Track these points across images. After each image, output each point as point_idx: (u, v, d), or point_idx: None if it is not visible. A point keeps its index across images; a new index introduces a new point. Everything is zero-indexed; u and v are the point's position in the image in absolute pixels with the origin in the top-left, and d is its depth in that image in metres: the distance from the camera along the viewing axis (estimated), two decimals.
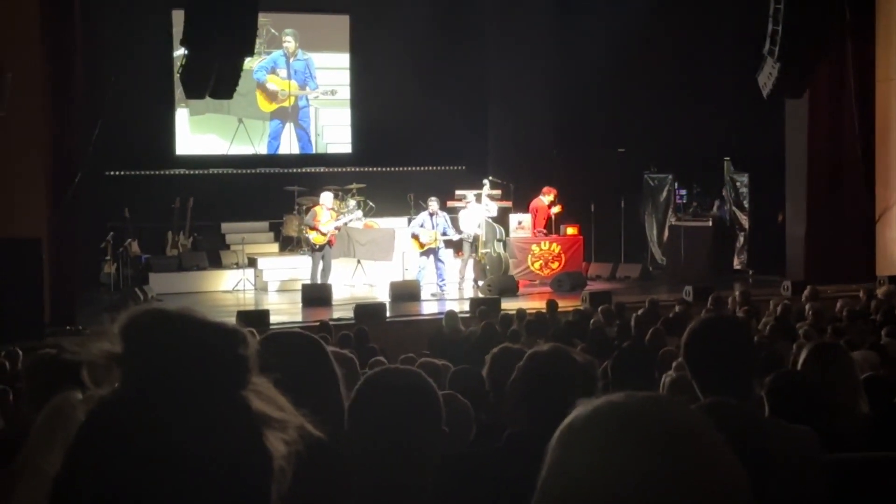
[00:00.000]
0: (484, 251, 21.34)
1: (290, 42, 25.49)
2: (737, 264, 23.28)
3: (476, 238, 21.39)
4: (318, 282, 20.20)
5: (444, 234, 20.80)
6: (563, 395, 3.24)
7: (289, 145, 25.89)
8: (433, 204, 20.86)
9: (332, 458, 2.61)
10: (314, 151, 26.23)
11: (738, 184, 23.19)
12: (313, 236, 20.37)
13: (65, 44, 17.94)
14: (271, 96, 25.47)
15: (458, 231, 21.17)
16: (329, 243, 20.39)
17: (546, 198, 22.50)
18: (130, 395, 1.50)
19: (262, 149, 25.69)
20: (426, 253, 20.76)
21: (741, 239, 23.21)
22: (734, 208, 23.25)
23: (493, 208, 21.71)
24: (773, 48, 16.93)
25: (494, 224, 21.67)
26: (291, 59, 25.63)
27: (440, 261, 20.79)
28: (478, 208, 21.53)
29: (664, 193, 24.25)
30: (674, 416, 1.49)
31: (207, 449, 1.48)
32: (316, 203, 21.02)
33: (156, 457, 1.45)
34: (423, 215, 20.93)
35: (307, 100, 25.99)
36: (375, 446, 2.70)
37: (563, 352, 3.48)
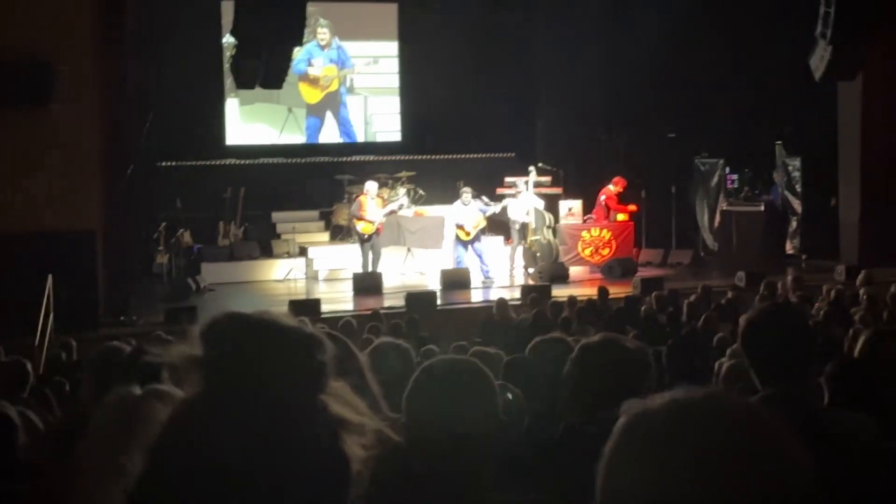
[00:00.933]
0: (534, 238, 21.28)
1: (325, 33, 25.45)
2: (789, 249, 23.06)
3: (524, 225, 21.32)
4: (369, 270, 20.23)
5: (485, 213, 20.81)
6: (617, 385, 3.23)
7: (334, 134, 25.92)
8: (464, 194, 20.86)
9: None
10: (363, 140, 26.26)
11: (790, 168, 22.97)
12: (361, 226, 20.39)
13: (117, 36, 18.08)
14: (314, 83, 25.47)
15: (495, 205, 21.10)
16: (377, 232, 20.38)
17: (615, 187, 22.46)
18: (212, 398, 1.53)
19: (306, 138, 25.77)
20: (464, 244, 20.74)
21: (794, 223, 23.00)
22: (786, 192, 23.04)
23: (539, 203, 21.57)
24: (825, 31, 16.74)
25: (544, 211, 21.57)
26: (326, 49, 25.60)
27: (479, 248, 20.73)
28: (527, 196, 21.46)
29: (715, 178, 24.05)
30: (734, 411, 1.47)
31: (287, 453, 1.50)
32: (361, 193, 21.04)
33: (236, 460, 1.47)
34: (457, 206, 20.97)
35: (347, 88, 25.95)
36: (434, 434, 2.69)
37: (614, 341, 3.45)
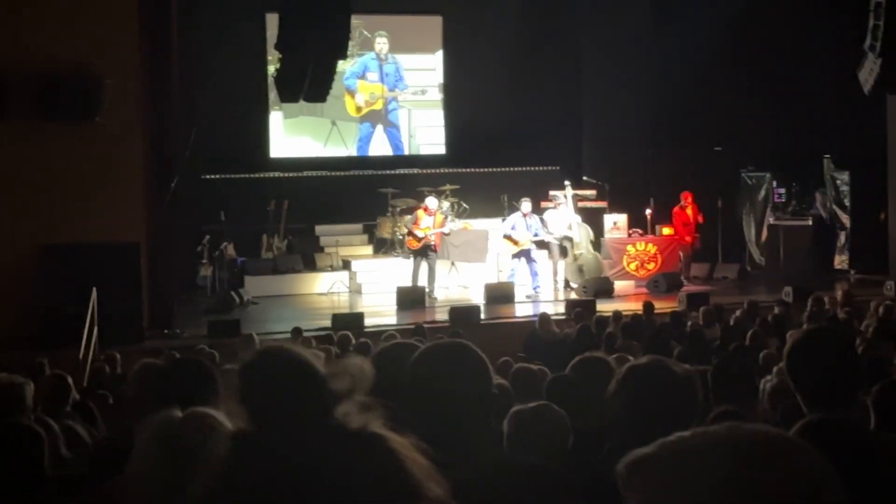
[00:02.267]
0: (578, 252, 21.21)
1: (383, 44, 25.61)
2: (838, 263, 22.90)
3: (566, 239, 21.24)
4: (419, 286, 20.21)
5: (536, 235, 20.71)
6: (663, 410, 3.22)
7: (380, 147, 26.00)
8: (526, 205, 20.76)
9: None
10: (407, 153, 26.32)
11: (838, 182, 22.82)
12: (408, 240, 20.44)
13: (161, 49, 18.21)
14: (359, 105, 25.56)
15: (549, 233, 21.05)
16: (428, 249, 20.37)
17: (688, 201, 22.43)
18: (259, 436, 1.66)
19: (354, 151, 25.86)
20: (518, 255, 20.69)
21: (842, 238, 22.84)
22: (835, 206, 22.88)
23: (575, 218, 21.52)
24: (875, 43, 16.58)
25: (586, 225, 21.51)
26: (383, 63, 25.74)
27: (533, 261, 20.71)
28: (566, 209, 21.41)
29: (762, 192, 23.94)
30: (760, 449, 1.47)
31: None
32: (417, 206, 21.08)
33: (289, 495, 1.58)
34: (516, 216, 20.86)
35: (397, 101, 26.09)
36: (431, 399, 3.06)
37: (661, 364, 3.44)
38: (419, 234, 20.22)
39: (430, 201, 20.83)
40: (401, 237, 21.07)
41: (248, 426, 1.74)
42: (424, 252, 20.36)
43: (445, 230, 20.66)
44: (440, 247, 20.83)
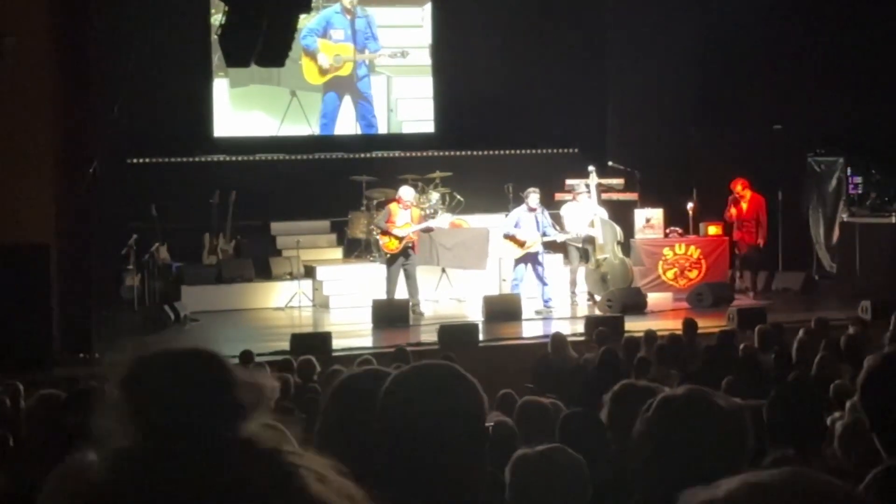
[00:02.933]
0: (602, 257, 21.22)
1: None
2: None
3: (588, 240, 21.24)
4: (399, 299, 20.19)
5: (545, 234, 20.66)
6: (704, 454, 3.22)
7: (350, 124, 25.96)
8: (534, 197, 20.72)
9: None
10: (386, 131, 26.31)
11: None
12: (384, 242, 20.37)
13: (77, 5, 18.18)
14: (323, 67, 25.49)
15: (566, 232, 21.03)
16: (409, 251, 20.33)
17: (744, 191, 22.32)
18: (141, 451, 1.69)
19: (319, 129, 25.85)
20: (524, 259, 20.64)
21: None
22: None
23: (602, 213, 21.53)
24: None
25: (612, 223, 21.51)
26: (352, 18, 25.64)
27: (540, 266, 20.65)
28: (588, 202, 21.42)
29: (833, 182, 23.97)
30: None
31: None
32: (391, 199, 21.02)
33: None
34: (520, 211, 20.81)
35: (367, 66, 26.02)
36: (410, 449, 2.98)
37: (702, 396, 3.43)
38: (399, 233, 20.17)
39: (405, 191, 20.77)
40: (377, 240, 21.00)
41: (132, 441, 1.79)
42: (402, 256, 20.35)
43: (424, 226, 20.64)
44: (420, 249, 20.80)
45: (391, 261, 20.35)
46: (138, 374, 1.89)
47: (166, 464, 1.76)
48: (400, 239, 20.18)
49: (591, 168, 21.85)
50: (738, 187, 22.37)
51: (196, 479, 1.69)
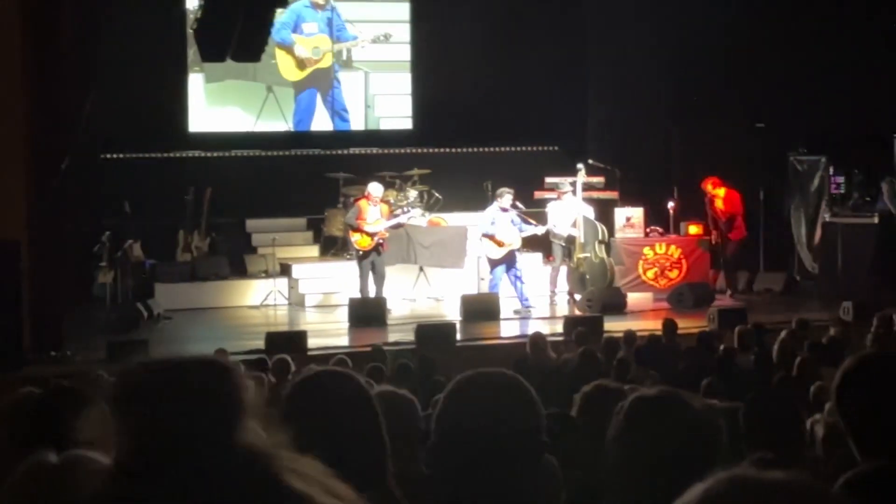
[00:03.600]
0: (582, 256, 21.24)
1: None
2: None
3: (570, 239, 21.27)
4: (369, 296, 20.22)
5: (521, 230, 20.66)
6: (676, 454, 3.20)
7: (327, 120, 25.91)
8: (507, 198, 20.69)
9: None
10: (363, 127, 26.27)
11: None
12: (356, 239, 20.33)
13: None
14: (298, 56, 25.40)
15: (541, 224, 20.98)
16: (379, 248, 20.31)
17: (716, 189, 22.37)
18: (133, 466, 1.67)
19: (293, 125, 25.79)
20: (503, 260, 20.60)
21: None
22: None
23: (588, 211, 21.56)
24: None
25: (595, 221, 21.53)
26: (320, 11, 25.52)
27: (517, 272, 20.64)
28: (574, 201, 21.43)
29: (816, 181, 23.98)
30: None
31: None
32: (362, 195, 20.99)
33: None
34: (493, 210, 20.82)
35: (343, 59, 25.93)
36: (467, 454, 3.04)
37: (674, 397, 3.42)
38: (370, 229, 20.14)
39: (374, 187, 20.73)
40: (349, 238, 20.92)
41: (130, 458, 1.76)
42: (373, 252, 20.34)
43: (395, 223, 20.63)
44: (398, 247, 20.82)
45: (362, 258, 20.34)
46: (136, 388, 1.86)
47: (165, 479, 1.74)
48: (372, 235, 20.16)
49: (579, 166, 21.82)
50: (709, 186, 22.44)
51: (196, 493, 1.68)
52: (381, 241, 20.29)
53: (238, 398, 1.83)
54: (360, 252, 20.33)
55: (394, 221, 20.68)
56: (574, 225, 21.28)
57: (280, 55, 25.21)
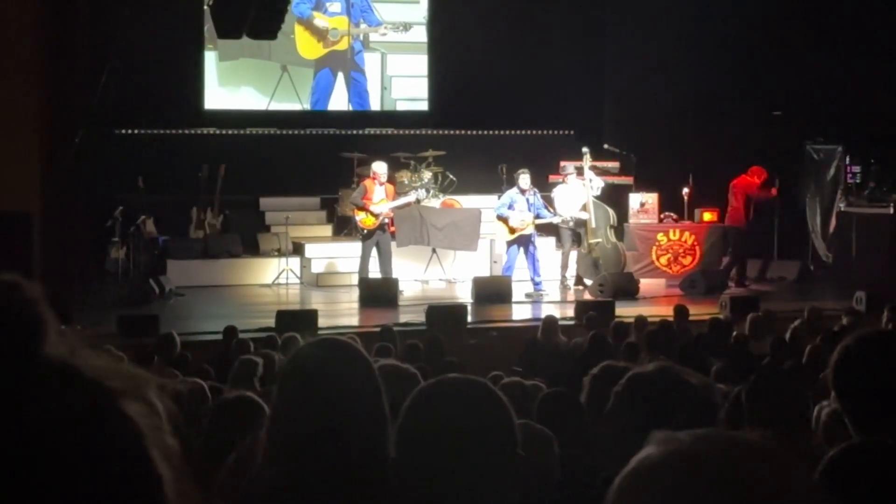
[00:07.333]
0: (594, 241, 21.22)
1: None
2: None
3: (580, 224, 21.25)
4: (367, 276, 20.20)
5: (539, 216, 20.66)
6: (673, 428, 3.22)
7: (344, 100, 25.92)
8: (524, 178, 20.70)
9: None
10: (380, 108, 26.27)
11: None
12: (361, 218, 20.33)
13: None
14: (319, 36, 25.43)
15: (558, 214, 21.00)
16: (384, 228, 20.38)
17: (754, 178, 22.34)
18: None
19: (310, 104, 25.78)
20: (517, 242, 20.64)
21: None
22: None
23: (596, 183, 21.53)
24: None
25: (606, 206, 21.50)
26: None
27: (533, 248, 20.67)
28: (579, 184, 21.39)
29: (832, 170, 23.96)
30: (752, 467, 1.51)
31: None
32: (368, 176, 20.99)
33: None
34: (512, 192, 20.82)
35: (363, 42, 25.97)
36: (431, 478, 2.84)
37: (671, 373, 3.43)
38: (376, 209, 20.13)
39: (379, 166, 20.71)
40: (354, 217, 20.89)
41: None
42: (379, 231, 20.35)
43: (402, 202, 20.63)
44: (411, 228, 20.82)
45: (367, 237, 20.35)
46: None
47: None
48: (377, 215, 20.16)
49: (584, 150, 21.79)
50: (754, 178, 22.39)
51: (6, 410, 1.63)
52: (386, 220, 20.32)
53: (33, 312, 1.76)
54: (365, 231, 20.32)
55: (399, 202, 20.69)
56: (584, 209, 21.25)
57: (299, 31, 25.22)
